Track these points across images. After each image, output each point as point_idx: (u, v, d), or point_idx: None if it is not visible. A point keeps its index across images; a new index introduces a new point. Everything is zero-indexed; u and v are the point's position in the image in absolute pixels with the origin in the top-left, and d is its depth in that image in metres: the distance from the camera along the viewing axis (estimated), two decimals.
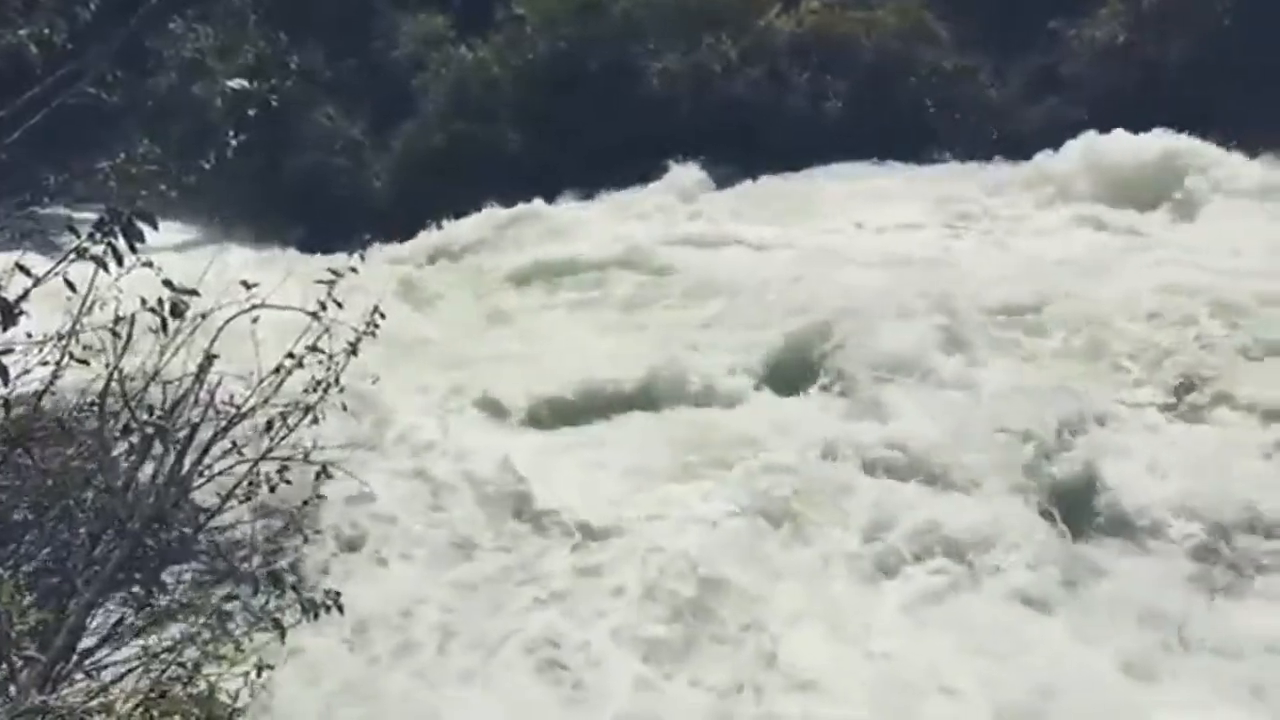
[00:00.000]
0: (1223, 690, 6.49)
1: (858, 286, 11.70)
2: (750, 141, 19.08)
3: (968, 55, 19.98)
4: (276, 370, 3.68)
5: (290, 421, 3.68)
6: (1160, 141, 15.30)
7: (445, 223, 16.74)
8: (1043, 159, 16.32)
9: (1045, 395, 9.38)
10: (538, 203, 16.65)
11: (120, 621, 3.71)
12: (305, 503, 3.95)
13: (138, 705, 3.32)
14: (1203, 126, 15.81)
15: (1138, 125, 15.95)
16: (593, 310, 12.91)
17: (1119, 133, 15.73)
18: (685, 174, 17.60)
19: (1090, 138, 15.92)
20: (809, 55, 20.35)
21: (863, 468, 8.60)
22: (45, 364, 3.61)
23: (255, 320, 3.67)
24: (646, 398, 10.11)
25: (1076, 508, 8.29)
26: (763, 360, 10.57)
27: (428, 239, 16.32)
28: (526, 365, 11.00)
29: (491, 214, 16.39)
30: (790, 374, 10.44)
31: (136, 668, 3.63)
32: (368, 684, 6.60)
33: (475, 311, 13.40)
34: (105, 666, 3.65)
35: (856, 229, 15.07)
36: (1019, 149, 17.50)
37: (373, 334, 3.83)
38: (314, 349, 3.66)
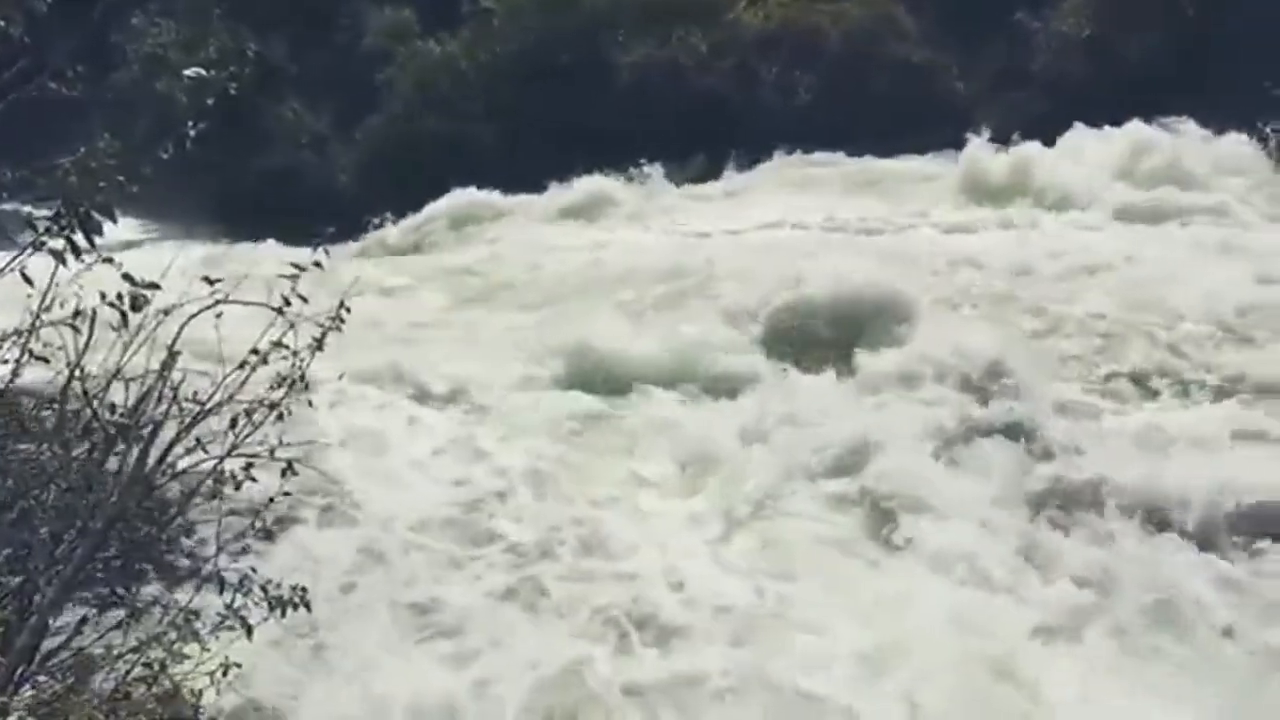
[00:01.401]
0: None
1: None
2: (721, 134, 19.11)
3: (935, 48, 20.06)
4: (241, 366, 3.64)
5: (255, 418, 3.64)
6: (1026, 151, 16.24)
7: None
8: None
9: None
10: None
11: (84, 622, 3.66)
12: (271, 499, 3.92)
13: (102, 706, 3.29)
14: (1168, 117, 16.11)
15: (1104, 118, 16.14)
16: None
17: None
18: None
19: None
20: (778, 48, 20.37)
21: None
22: (4, 362, 3.56)
23: (219, 316, 3.63)
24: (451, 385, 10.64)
25: None
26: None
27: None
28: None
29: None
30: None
31: (101, 668, 3.60)
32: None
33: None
34: (69, 667, 3.61)
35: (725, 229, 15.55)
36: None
37: (339, 329, 3.79)
38: (278, 344, 3.62)
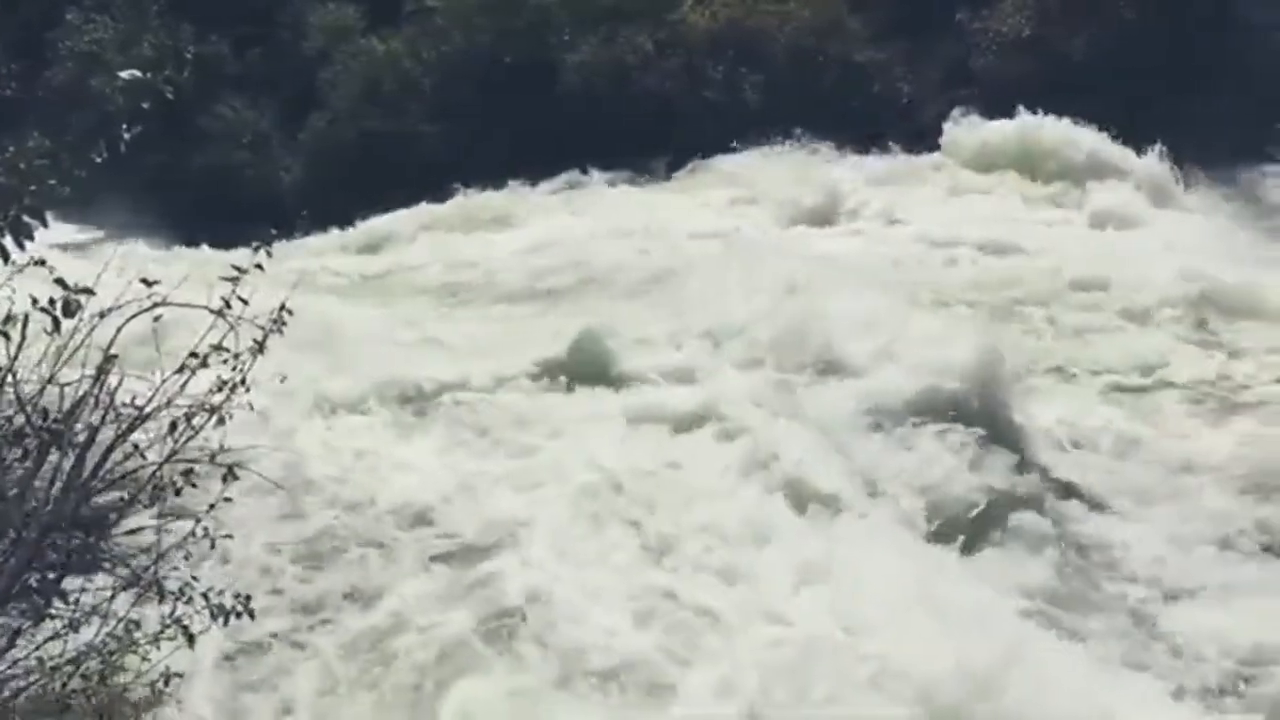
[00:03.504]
0: None
1: None
2: (669, 134, 19.14)
3: (881, 47, 20.19)
4: (180, 370, 3.56)
5: (195, 423, 3.57)
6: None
7: None
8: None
9: None
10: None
11: (19, 633, 3.57)
12: (213, 505, 3.84)
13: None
14: (1108, 118, 16.43)
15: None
16: None
17: None
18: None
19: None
20: (725, 49, 20.40)
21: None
22: None
23: (157, 319, 3.56)
24: None
25: None
26: None
27: None
28: None
29: None
30: None
31: (38, 681, 3.51)
32: None
33: None
34: (4, 680, 3.52)
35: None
36: (930, 140, 17.91)
37: (280, 331, 3.73)
38: (219, 348, 3.55)
